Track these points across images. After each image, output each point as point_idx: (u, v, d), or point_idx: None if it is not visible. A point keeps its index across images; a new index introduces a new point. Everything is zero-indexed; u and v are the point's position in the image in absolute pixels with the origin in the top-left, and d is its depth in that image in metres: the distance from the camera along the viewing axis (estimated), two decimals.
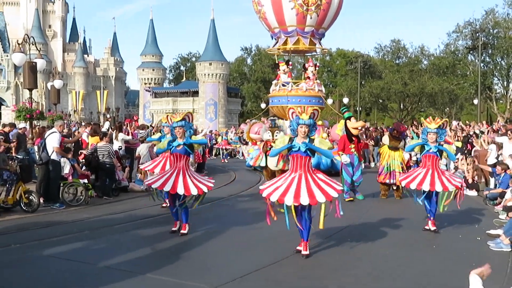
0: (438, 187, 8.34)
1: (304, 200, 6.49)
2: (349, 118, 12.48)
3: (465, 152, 16.55)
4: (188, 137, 8.03)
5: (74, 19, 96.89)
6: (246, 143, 22.30)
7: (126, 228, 8.89)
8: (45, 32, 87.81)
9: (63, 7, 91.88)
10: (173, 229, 8.28)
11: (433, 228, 8.58)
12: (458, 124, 20.59)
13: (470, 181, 14.24)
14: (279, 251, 7.17)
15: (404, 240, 8.04)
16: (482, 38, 46.13)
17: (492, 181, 13.01)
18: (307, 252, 6.86)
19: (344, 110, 13.40)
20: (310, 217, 6.80)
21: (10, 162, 10.58)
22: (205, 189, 7.95)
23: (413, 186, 8.53)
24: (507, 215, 9.09)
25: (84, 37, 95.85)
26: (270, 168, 13.37)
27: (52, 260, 6.71)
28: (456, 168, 15.83)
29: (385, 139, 13.12)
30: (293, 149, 6.78)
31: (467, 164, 14.80)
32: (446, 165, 16.90)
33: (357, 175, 12.38)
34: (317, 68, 22.02)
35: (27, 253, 7.01)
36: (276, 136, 12.84)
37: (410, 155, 13.00)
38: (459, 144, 17.16)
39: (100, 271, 6.21)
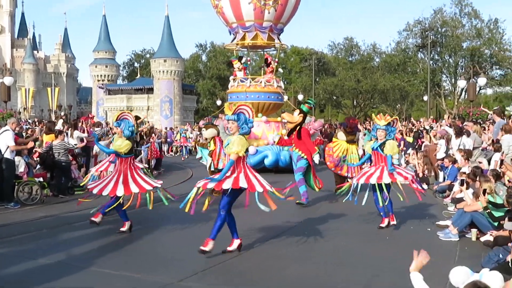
0: (386, 179, 8.32)
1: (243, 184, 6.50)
2: (301, 110, 11.38)
3: (416, 147, 17.13)
4: (96, 140, 8.44)
5: (23, 13, 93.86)
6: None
7: (84, 226, 8.83)
8: None
9: (11, 1, 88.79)
10: (122, 229, 8.07)
11: (392, 222, 8.64)
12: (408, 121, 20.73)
13: (420, 175, 14.77)
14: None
15: (359, 233, 8.35)
16: (431, 37, 47.47)
17: (441, 174, 13.54)
18: (206, 248, 6.56)
19: (308, 103, 12.45)
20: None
21: None
22: (147, 187, 7.86)
23: (361, 181, 8.50)
24: (455, 207, 9.53)
25: (34, 33, 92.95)
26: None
27: (9, 259, 6.63)
28: (407, 162, 16.38)
29: (340, 135, 13.38)
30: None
31: (418, 159, 15.34)
32: (398, 160, 17.46)
33: (296, 166, 11.25)
34: (275, 64, 21.79)
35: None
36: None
37: (364, 150, 13.36)
38: (411, 140, 17.76)
39: (60, 269, 6.20)
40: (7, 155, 10.80)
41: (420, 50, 53.44)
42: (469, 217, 7.89)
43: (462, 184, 9.14)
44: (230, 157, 6.51)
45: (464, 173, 10.47)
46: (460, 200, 9.51)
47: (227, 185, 6.40)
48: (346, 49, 63.27)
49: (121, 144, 7.87)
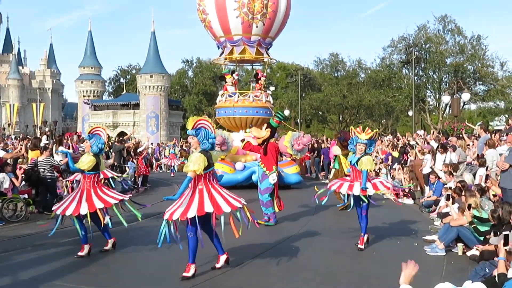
0: (356, 190, 7.98)
1: (209, 208, 6.22)
2: (269, 125, 10.70)
3: (402, 162, 17.25)
4: (69, 157, 8.07)
5: (8, 29, 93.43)
6: None
7: (69, 243, 8.73)
8: None
9: None
10: (80, 254, 7.58)
11: (359, 246, 8.14)
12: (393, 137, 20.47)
13: (406, 190, 14.85)
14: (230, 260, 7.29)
15: (345, 248, 8.34)
16: (415, 53, 47.96)
17: (427, 189, 13.64)
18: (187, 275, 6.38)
19: (277, 116, 11.06)
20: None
21: None
22: (113, 201, 7.56)
23: (333, 188, 8.40)
24: (441, 221, 9.59)
25: (19, 48, 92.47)
26: None
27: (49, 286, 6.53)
28: (393, 177, 16.47)
29: (336, 149, 13.33)
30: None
31: (404, 174, 15.44)
32: (386, 175, 17.57)
33: (261, 187, 10.70)
34: (263, 78, 21.38)
35: None
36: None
37: None
38: (396, 154, 17.88)
39: (45, 286, 6.12)
40: None
41: (405, 66, 53.95)
42: (455, 231, 7.94)
43: (448, 199, 9.20)
44: (188, 175, 6.24)
45: (450, 188, 10.55)
46: (446, 214, 9.58)
47: (192, 213, 6.12)
48: (331, 65, 63.72)
49: (84, 161, 7.58)
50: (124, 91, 72.55)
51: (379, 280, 6.51)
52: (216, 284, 6.29)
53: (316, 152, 23.81)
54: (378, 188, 8.09)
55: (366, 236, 8.24)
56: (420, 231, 9.62)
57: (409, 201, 14.30)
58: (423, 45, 52.18)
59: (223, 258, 6.78)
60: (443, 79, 53.22)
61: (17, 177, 12.05)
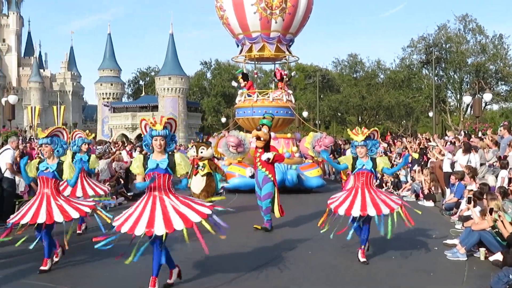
0: (371, 211, 7.05)
1: (159, 230, 5.46)
2: (261, 126, 10.08)
3: (422, 163, 16.93)
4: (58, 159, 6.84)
5: (29, 33, 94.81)
6: (217, 158, 21.71)
7: (88, 245, 8.68)
8: None
9: (17, 20, 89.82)
10: (43, 268, 6.74)
11: (362, 260, 7.32)
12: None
13: (426, 192, 14.57)
14: (243, 264, 7.15)
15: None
16: (436, 53, 47.42)
17: (448, 191, 13.33)
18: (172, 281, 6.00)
19: (265, 115, 10.59)
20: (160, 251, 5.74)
21: None
22: (86, 210, 6.88)
23: (341, 211, 7.18)
24: (463, 225, 9.32)
25: (40, 52, 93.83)
26: (193, 191, 11.02)
27: (13, 282, 6.51)
28: (413, 179, 16.18)
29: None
30: (149, 167, 5.73)
31: (425, 175, 15.14)
32: (405, 176, 17.27)
33: (262, 193, 10.02)
34: (285, 77, 20.22)
35: None
36: (201, 152, 11.18)
37: None
38: (416, 156, 17.56)
39: None
40: (7, 174, 10.69)
41: (425, 66, 53.41)
42: (477, 235, 7.68)
43: (469, 202, 8.94)
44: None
45: (471, 190, 10.26)
46: (468, 218, 9.30)
47: (140, 230, 5.47)
48: (350, 66, 63.35)
49: (67, 170, 6.77)
50: (143, 93, 73.11)
51: (397, 285, 6.31)
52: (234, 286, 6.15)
53: (335, 153, 23.53)
54: (381, 211, 7.09)
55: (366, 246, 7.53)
56: (440, 235, 9.37)
57: (429, 203, 14.01)
58: (444, 45, 51.61)
59: (175, 272, 6.09)
60: (464, 79, 52.56)
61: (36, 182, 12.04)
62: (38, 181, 6.91)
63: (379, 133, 7.61)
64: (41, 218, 6.47)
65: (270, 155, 9.88)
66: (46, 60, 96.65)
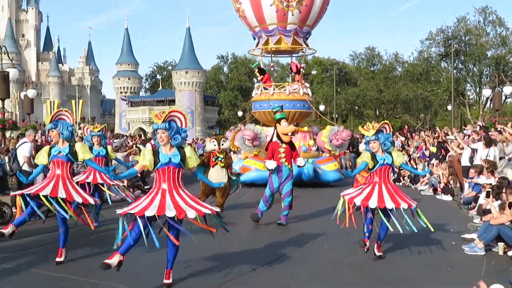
0: (389, 204, 6.90)
1: (170, 212, 5.47)
2: (279, 120, 10.03)
3: (440, 157, 16.76)
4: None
5: (48, 28, 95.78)
6: (234, 152, 21.70)
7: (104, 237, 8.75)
8: (19, 41, 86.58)
9: (36, 16, 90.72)
10: (58, 259, 6.81)
11: (378, 254, 7.27)
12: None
13: (442, 185, 14.42)
14: (256, 259, 7.13)
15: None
16: (454, 45, 46.86)
17: (466, 185, 13.16)
18: (170, 281, 5.82)
19: (276, 110, 10.38)
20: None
21: None
22: (90, 201, 6.86)
23: (357, 201, 7.02)
24: (481, 219, 9.19)
25: (59, 46, 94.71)
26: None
27: (31, 272, 6.57)
28: (431, 173, 16.02)
29: (363, 146, 12.98)
30: (161, 161, 5.65)
31: (443, 169, 14.98)
32: (423, 169, 17.09)
33: (286, 189, 9.88)
34: (301, 70, 20.07)
35: (1, 264, 6.88)
36: (222, 144, 11.29)
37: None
38: (434, 149, 17.38)
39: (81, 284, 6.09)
40: (25, 167, 10.80)
41: (443, 59, 52.82)
42: (496, 230, 7.57)
43: (488, 196, 8.81)
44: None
45: (490, 184, 10.12)
46: (487, 212, 9.17)
47: (151, 212, 5.45)
48: (367, 59, 62.88)
49: (83, 149, 6.78)
50: (160, 87, 73.38)
51: (415, 280, 6.24)
52: (241, 282, 6.13)
53: (352, 147, 23.34)
54: (399, 204, 6.96)
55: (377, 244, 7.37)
56: (458, 229, 9.25)
57: (448, 197, 13.86)
58: (463, 38, 50.99)
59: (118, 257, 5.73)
60: (484, 72, 51.89)
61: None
62: (51, 164, 6.78)
63: (390, 126, 7.33)
64: (61, 193, 6.49)
65: (303, 161, 9.99)
66: (65, 55, 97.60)
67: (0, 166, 11.00)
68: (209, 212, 5.63)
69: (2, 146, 15.56)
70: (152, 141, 19.88)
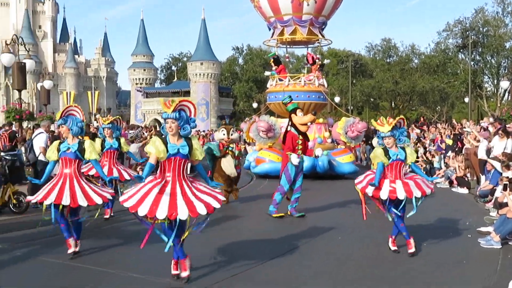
0: (401, 194, 6.75)
1: (183, 214, 5.29)
2: (294, 110, 9.84)
3: (456, 149, 16.59)
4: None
5: (64, 19, 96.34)
6: (248, 143, 21.66)
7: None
8: (35, 32, 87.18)
9: (53, 7, 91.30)
10: (70, 251, 6.75)
11: (393, 248, 7.16)
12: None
13: (454, 176, 14.27)
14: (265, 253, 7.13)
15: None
16: (472, 37, 46.30)
17: (483, 178, 13.02)
18: (187, 273, 5.68)
19: (286, 101, 10.09)
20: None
21: None
22: (108, 196, 6.77)
23: (369, 192, 6.89)
24: (498, 212, 9.09)
25: (75, 38, 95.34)
26: (227, 173, 11.25)
27: (44, 261, 6.66)
28: (447, 165, 15.88)
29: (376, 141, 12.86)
30: (169, 152, 5.48)
31: (459, 162, 14.82)
32: (439, 162, 16.96)
33: (298, 184, 9.92)
34: (317, 61, 19.71)
35: (17, 254, 6.97)
36: (231, 135, 11.26)
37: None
38: (450, 142, 17.21)
39: (97, 273, 6.15)
40: (41, 157, 10.88)
41: (461, 50, 52.24)
42: None
43: (505, 189, 8.70)
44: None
45: (507, 177, 9.99)
46: (503, 205, 9.06)
47: (162, 214, 5.28)
48: (383, 50, 62.33)
49: (91, 147, 6.73)
50: (175, 78, 73.54)
51: (430, 273, 6.19)
52: (252, 275, 6.15)
53: (367, 139, 23.20)
54: (412, 194, 6.76)
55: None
56: (474, 222, 9.15)
57: (464, 190, 13.73)
58: (481, 29, 50.35)
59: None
60: (502, 64, 51.26)
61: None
62: (60, 162, 6.73)
63: (405, 120, 7.16)
64: (66, 200, 6.36)
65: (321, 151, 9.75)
66: (81, 46, 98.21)
67: (17, 157, 11.09)
68: (218, 206, 5.47)
69: (19, 136, 15.72)
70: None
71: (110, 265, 6.40)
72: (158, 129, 22.81)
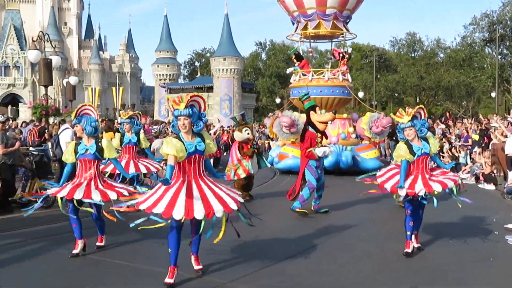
0: (420, 190, 6.49)
1: (199, 214, 5.11)
2: (312, 108, 9.57)
3: (482, 145, 16.33)
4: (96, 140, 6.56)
5: (89, 16, 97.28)
6: (271, 139, 21.66)
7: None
8: (61, 29, 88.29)
9: (78, 4, 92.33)
10: (75, 251, 6.62)
11: (417, 245, 6.96)
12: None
13: (481, 173, 14.06)
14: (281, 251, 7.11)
15: (420, 235, 7.88)
16: (500, 30, 45.49)
17: (510, 174, 12.79)
18: (171, 281, 5.46)
19: (304, 98, 9.81)
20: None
21: (25, 158, 10.67)
22: (125, 193, 6.51)
23: (388, 186, 6.77)
24: None
25: (100, 34, 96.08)
26: (251, 173, 11.17)
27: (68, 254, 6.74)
28: (473, 161, 15.65)
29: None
30: (188, 150, 5.27)
31: (485, 158, 14.60)
32: (465, 158, 16.72)
33: (321, 182, 9.75)
34: (345, 55, 19.39)
35: (44, 248, 7.08)
36: (248, 134, 11.00)
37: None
38: (476, 137, 16.95)
39: (114, 267, 6.23)
40: None
41: (488, 44, 51.40)
42: None
43: None
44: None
45: None
46: None
47: (178, 216, 5.11)
48: (408, 45, 61.71)
49: (110, 147, 6.61)
50: (199, 74, 73.88)
51: (456, 271, 6.11)
52: (278, 271, 6.13)
53: (392, 134, 22.95)
54: (432, 189, 6.49)
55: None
56: (501, 219, 9.00)
57: (490, 186, 13.52)
58: (508, 22, 49.39)
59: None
60: None
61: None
62: (77, 164, 6.58)
63: (425, 111, 6.84)
64: (78, 195, 6.28)
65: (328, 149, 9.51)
66: (106, 43, 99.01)
67: (43, 152, 11.26)
68: (236, 207, 5.31)
69: (46, 131, 15.96)
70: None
71: (134, 259, 6.47)
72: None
